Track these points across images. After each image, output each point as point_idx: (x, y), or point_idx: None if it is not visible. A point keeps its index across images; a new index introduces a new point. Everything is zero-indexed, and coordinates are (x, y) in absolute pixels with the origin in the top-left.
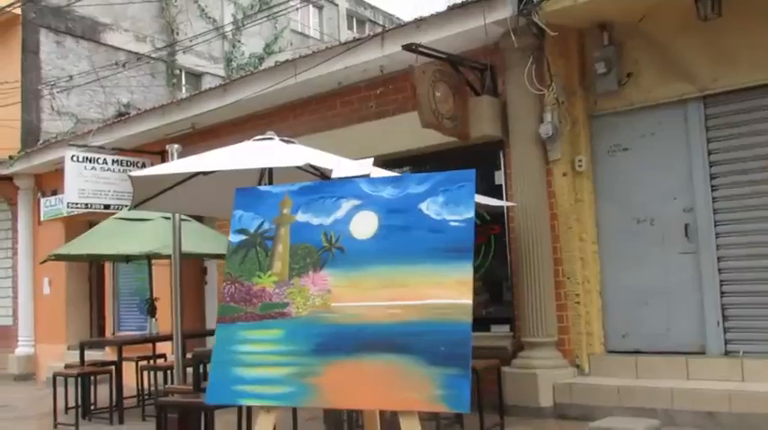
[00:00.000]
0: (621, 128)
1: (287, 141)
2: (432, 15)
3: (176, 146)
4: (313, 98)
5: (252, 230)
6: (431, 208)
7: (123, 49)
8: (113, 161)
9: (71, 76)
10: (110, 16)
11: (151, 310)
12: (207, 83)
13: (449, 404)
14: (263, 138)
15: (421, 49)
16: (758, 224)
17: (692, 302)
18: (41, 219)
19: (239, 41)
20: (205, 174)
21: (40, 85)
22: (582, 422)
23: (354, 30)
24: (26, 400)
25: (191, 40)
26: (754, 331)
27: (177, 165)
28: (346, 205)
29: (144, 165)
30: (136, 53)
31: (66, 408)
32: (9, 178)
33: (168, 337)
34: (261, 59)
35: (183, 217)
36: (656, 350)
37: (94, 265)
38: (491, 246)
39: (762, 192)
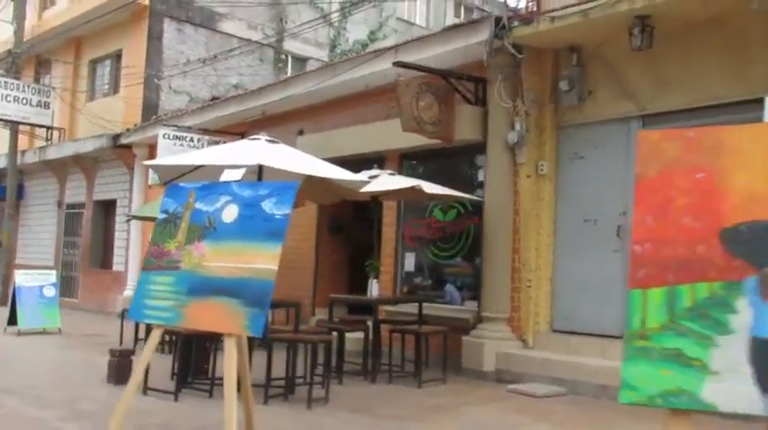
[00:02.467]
0: (580, 138)
1: (271, 141)
2: (432, 34)
3: (207, 138)
4: (350, 96)
5: (170, 211)
6: (267, 205)
7: (236, 36)
8: (198, 139)
9: (188, 60)
10: (226, 6)
11: None
12: (311, 67)
13: (251, 330)
14: (253, 138)
15: (407, 64)
16: None
17: (617, 294)
18: (149, 183)
19: (344, 29)
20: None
21: (161, 68)
22: (510, 385)
23: (462, 16)
24: (117, 332)
25: (298, 28)
26: None
27: (176, 158)
28: (222, 199)
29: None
30: (247, 39)
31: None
32: (129, 146)
33: None
34: (364, 46)
35: None
36: (588, 332)
37: None
38: (470, 234)
39: None
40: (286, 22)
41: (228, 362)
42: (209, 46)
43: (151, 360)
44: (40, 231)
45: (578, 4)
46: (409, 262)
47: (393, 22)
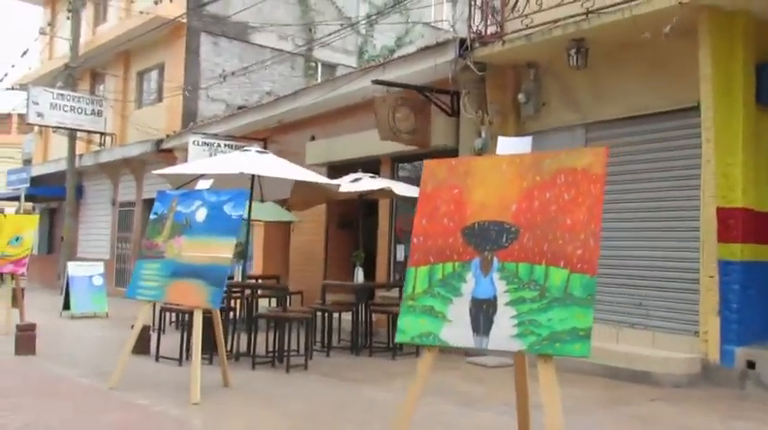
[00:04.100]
0: (538, 145)
1: (261, 152)
2: (411, 54)
3: (229, 143)
4: (351, 107)
5: (159, 213)
6: (227, 208)
7: (268, 47)
8: (225, 145)
9: (224, 71)
10: (258, 20)
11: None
12: (340, 73)
13: (212, 304)
14: (245, 150)
15: (383, 82)
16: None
17: None
18: None
19: (371, 36)
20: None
21: (199, 79)
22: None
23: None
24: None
25: (327, 38)
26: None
27: (181, 168)
28: (196, 204)
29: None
30: (279, 50)
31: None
32: (170, 150)
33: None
34: (392, 51)
35: None
36: None
37: None
38: None
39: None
40: (315, 32)
41: (196, 329)
42: (243, 57)
43: (168, 335)
44: (97, 227)
45: (528, 28)
46: (400, 253)
47: (420, 27)
